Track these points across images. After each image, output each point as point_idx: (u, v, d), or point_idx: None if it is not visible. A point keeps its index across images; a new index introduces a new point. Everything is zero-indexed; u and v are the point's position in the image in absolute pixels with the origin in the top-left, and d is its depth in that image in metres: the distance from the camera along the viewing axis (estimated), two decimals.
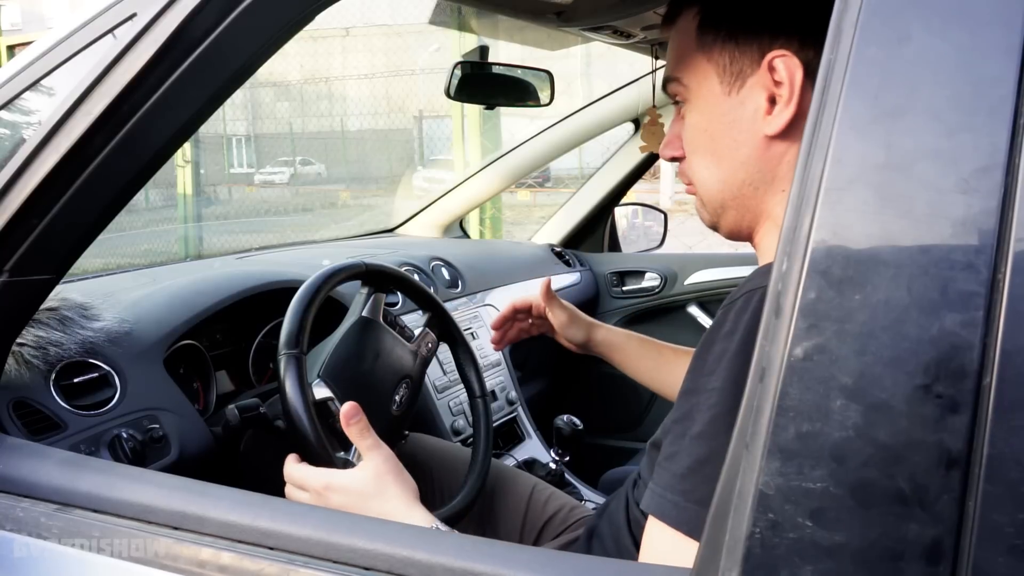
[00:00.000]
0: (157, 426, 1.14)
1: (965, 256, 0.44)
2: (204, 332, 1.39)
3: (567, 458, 1.53)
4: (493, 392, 1.80)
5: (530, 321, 1.31)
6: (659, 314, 2.32)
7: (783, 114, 0.71)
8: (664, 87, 0.83)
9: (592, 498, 1.58)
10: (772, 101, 0.72)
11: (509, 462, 1.67)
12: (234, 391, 1.49)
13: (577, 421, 1.50)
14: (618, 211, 2.48)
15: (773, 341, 0.47)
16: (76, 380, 1.10)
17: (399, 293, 1.66)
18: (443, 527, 0.80)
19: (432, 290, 1.33)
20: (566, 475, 1.60)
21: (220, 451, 1.23)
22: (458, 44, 4.21)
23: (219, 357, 1.46)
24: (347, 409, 0.90)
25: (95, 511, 0.71)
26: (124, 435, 1.09)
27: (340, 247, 2.11)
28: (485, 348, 1.84)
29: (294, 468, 0.91)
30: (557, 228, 2.47)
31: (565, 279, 2.24)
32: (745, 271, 1.56)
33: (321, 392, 1.04)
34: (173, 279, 1.45)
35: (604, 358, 1.28)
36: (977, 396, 0.43)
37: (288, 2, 0.74)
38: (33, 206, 0.75)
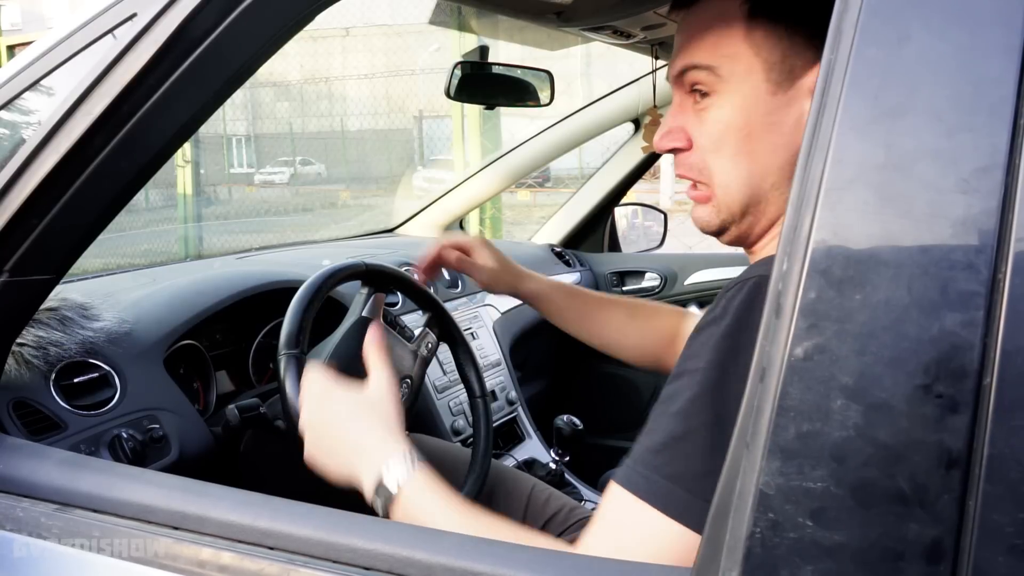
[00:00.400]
0: (157, 426, 1.14)
1: (965, 256, 0.44)
2: (204, 332, 1.39)
3: (567, 458, 1.54)
4: (493, 392, 1.80)
5: (456, 256, 1.23)
6: None
7: None
8: (679, 74, 0.76)
9: (592, 498, 1.58)
10: None
11: (509, 462, 1.67)
12: (234, 391, 1.50)
13: (577, 421, 1.50)
14: (618, 211, 2.48)
15: (773, 341, 0.47)
16: (76, 380, 1.10)
17: (399, 293, 1.66)
18: (417, 460, 0.77)
19: (432, 290, 1.33)
20: (566, 475, 1.60)
21: (220, 451, 1.23)
22: (458, 44, 4.21)
23: (219, 357, 1.46)
24: (376, 334, 0.90)
25: (95, 511, 0.71)
26: (124, 435, 1.09)
27: (340, 247, 2.11)
28: (485, 348, 1.84)
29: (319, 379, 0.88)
30: (557, 228, 2.47)
31: (565, 279, 2.24)
32: None
33: None
34: (173, 279, 1.45)
35: (534, 308, 1.27)
36: (977, 396, 0.43)
37: (288, 2, 0.74)
38: (33, 206, 0.75)
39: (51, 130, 0.73)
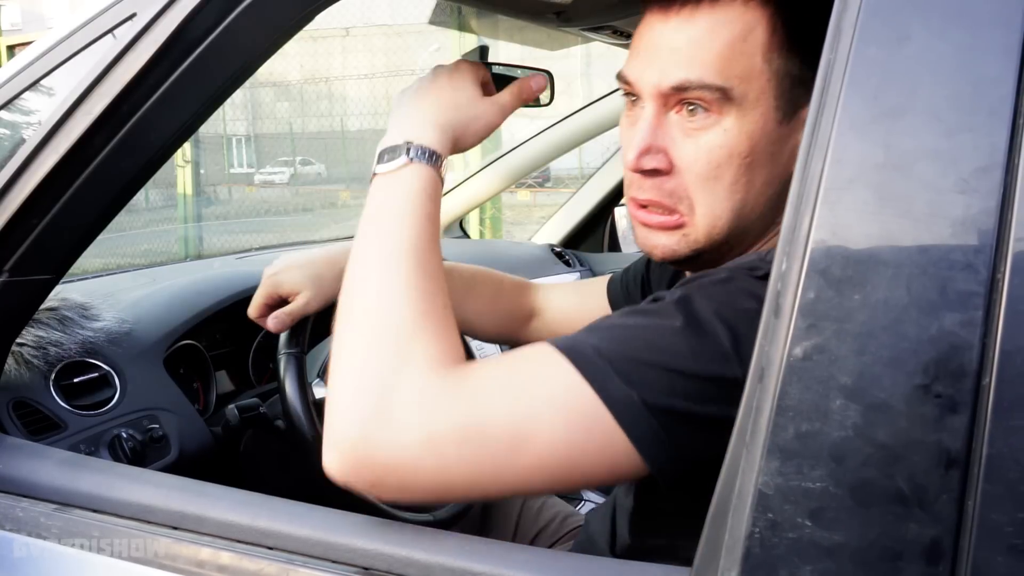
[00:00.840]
0: (157, 426, 1.14)
1: (964, 256, 0.44)
2: (204, 332, 1.39)
3: None
4: None
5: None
6: None
7: None
8: (672, 88, 0.66)
9: (592, 498, 1.58)
10: None
11: None
12: (234, 391, 1.49)
13: None
14: (618, 211, 2.48)
15: (773, 341, 0.47)
16: (76, 380, 1.10)
17: None
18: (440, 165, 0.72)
19: None
20: None
21: (220, 451, 1.23)
22: (458, 44, 4.21)
23: (219, 357, 1.45)
24: (539, 79, 0.85)
25: (95, 511, 0.71)
26: (124, 435, 1.09)
27: (340, 247, 2.11)
28: (485, 348, 1.84)
29: None
30: (557, 228, 2.47)
31: (565, 279, 2.24)
32: None
33: (321, 391, 1.04)
34: (173, 279, 1.45)
35: None
36: (976, 396, 0.43)
37: (288, 2, 0.74)
38: (33, 206, 0.75)
39: (51, 130, 0.73)
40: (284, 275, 0.98)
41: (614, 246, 2.51)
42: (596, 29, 1.25)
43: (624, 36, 1.31)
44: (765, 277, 0.51)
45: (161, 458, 1.13)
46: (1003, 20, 0.45)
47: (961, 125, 0.45)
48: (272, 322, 0.97)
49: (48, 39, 0.78)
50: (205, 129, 6.92)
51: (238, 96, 9.30)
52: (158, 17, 0.70)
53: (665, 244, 0.70)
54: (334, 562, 0.60)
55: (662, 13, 0.68)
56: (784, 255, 0.47)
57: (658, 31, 0.68)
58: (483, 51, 0.91)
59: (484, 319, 1.06)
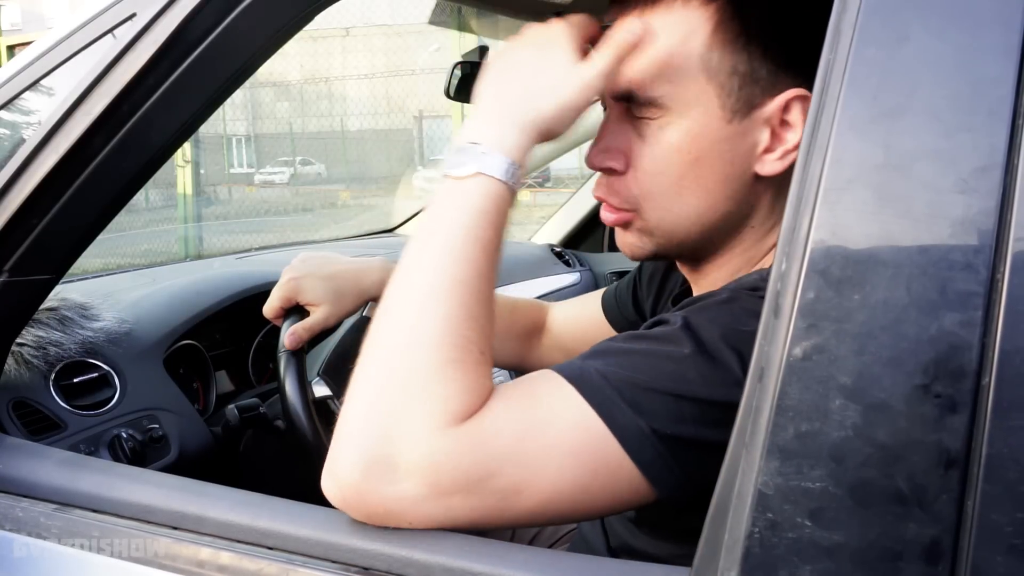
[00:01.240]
0: (157, 426, 1.14)
1: (964, 256, 0.44)
2: (204, 332, 1.39)
3: None
4: None
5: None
6: None
7: (787, 158, 0.66)
8: (623, 99, 0.67)
9: None
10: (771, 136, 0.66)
11: None
12: (234, 391, 1.50)
13: None
14: None
15: (772, 341, 0.47)
16: (76, 380, 1.10)
17: None
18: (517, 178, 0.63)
19: None
20: None
21: (220, 451, 1.23)
22: (458, 44, 4.20)
23: (219, 357, 1.46)
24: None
25: (95, 511, 0.71)
26: (124, 435, 1.09)
27: (340, 247, 2.11)
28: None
29: None
30: (557, 228, 2.47)
31: (565, 279, 2.24)
32: None
33: (321, 390, 1.04)
34: (173, 279, 1.46)
35: None
36: (976, 396, 0.43)
37: (288, 2, 0.74)
38: (33, 206, 0.75)
39: (51, 130, 0.73)
40: (306, 283, 0.97)
41: (614, 246, 2.51)
42: None
43: None
44: None
45: (161, 458, 1.13)
46: (1003, 20, 0.45)
47: (960, 125, 0.45)
48: (289, 339, 0.96)
49: (48, 39, 0.78)
50: (205, 129, 6.92)
51: (238, 96, 9.31)
52: (158, 17, 0.70)
53: (631, 242, 0.73)
54: (334, 562, 0.60)
55: (621, 16, 0.69)
56: (784, 255, 0.47)
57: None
58: (483, 51, 0.91)
59: (498, 346, 1.04)
